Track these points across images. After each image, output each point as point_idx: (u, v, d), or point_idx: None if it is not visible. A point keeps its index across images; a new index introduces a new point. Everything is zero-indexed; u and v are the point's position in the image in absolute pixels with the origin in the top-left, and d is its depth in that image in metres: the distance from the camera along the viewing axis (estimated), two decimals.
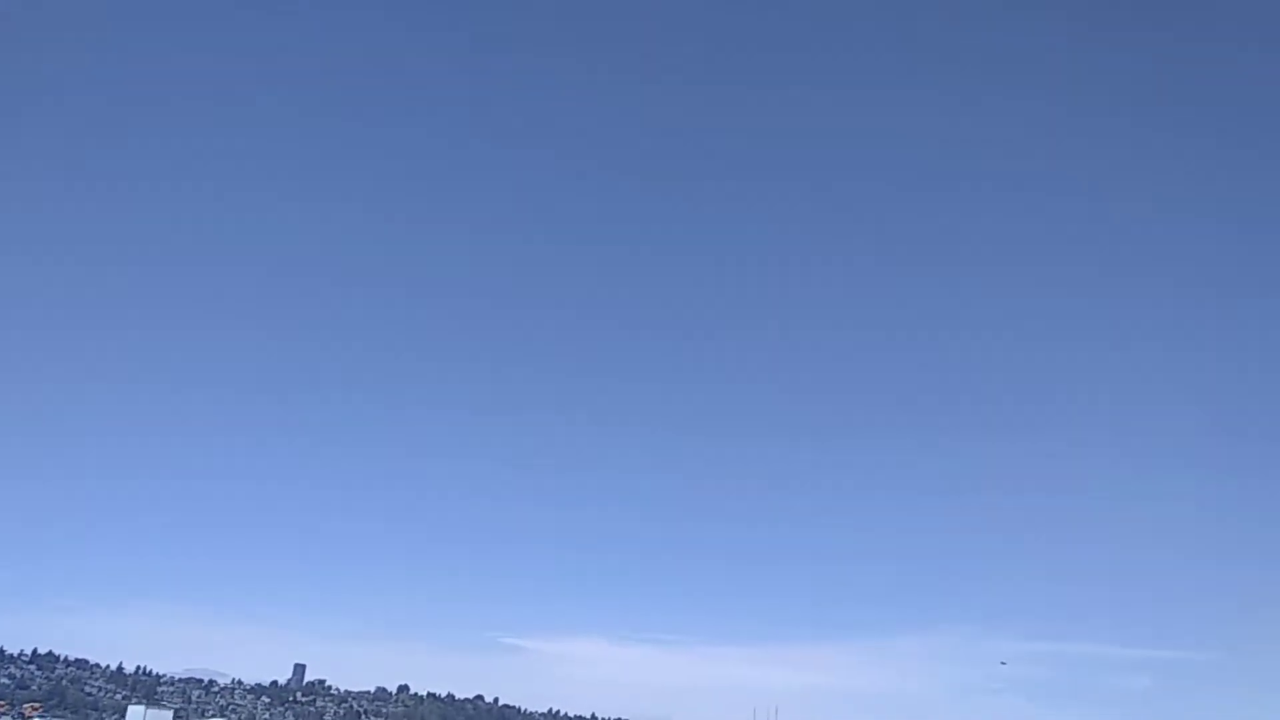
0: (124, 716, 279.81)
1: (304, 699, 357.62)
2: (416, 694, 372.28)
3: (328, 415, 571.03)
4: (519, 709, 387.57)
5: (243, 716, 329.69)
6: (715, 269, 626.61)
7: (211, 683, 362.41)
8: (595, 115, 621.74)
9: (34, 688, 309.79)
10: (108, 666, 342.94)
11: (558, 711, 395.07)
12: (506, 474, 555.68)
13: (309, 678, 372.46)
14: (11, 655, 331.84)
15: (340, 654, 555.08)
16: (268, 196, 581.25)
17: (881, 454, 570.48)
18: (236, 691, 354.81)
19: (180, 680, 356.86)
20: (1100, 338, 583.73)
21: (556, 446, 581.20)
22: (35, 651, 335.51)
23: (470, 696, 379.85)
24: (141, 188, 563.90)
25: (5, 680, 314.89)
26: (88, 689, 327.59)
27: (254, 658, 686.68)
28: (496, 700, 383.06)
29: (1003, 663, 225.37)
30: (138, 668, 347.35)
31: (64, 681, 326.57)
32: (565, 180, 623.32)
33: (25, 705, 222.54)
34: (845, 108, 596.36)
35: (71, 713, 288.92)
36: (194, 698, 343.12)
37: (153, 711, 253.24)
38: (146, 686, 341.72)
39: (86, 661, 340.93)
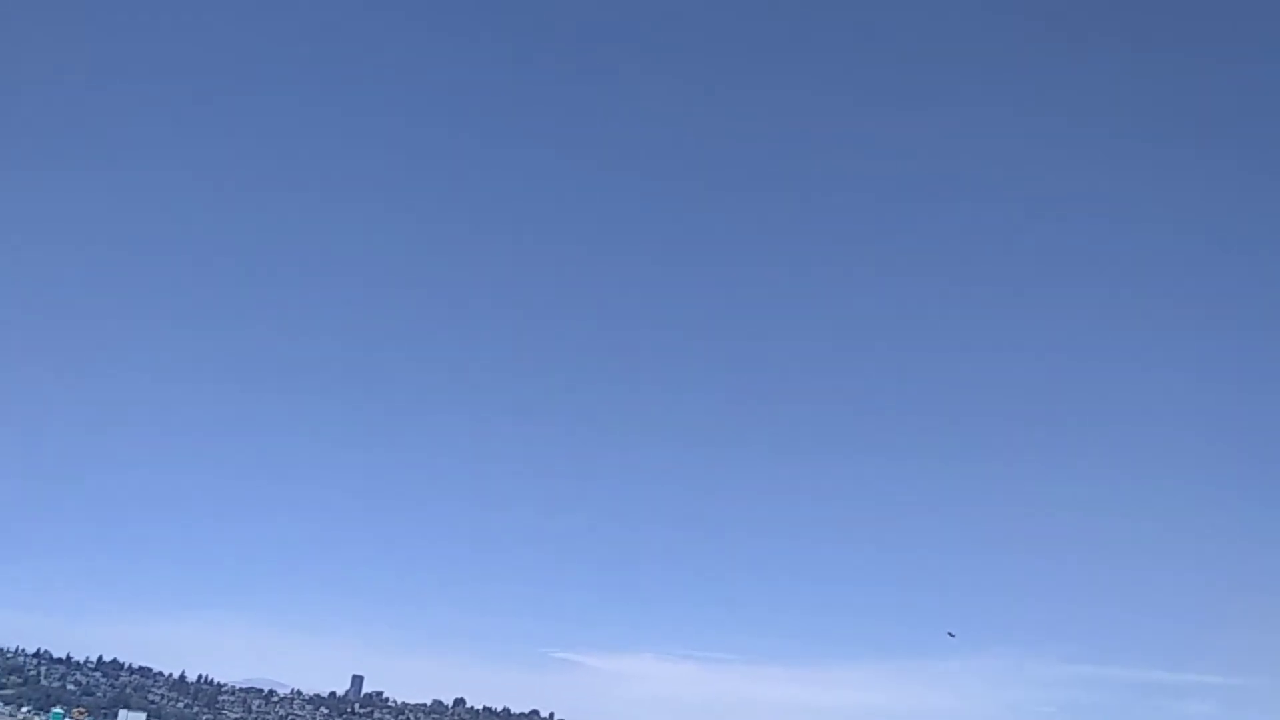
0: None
1: (361, 710, 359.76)
2: (472, 708, 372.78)
3: (388, 428, 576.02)
4: None
5: None
6: (755, 280, 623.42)
7: (271, 692, 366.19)
8: (601, 116, 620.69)
9: (99, 695, 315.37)
10: (170, 675, 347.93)
11: None
12: (563, 490, 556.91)
13: (366, 689, 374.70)
14: (78, 663, 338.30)
15: (397, 666, 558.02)
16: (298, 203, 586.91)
17: (929, 472, 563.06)
18: (295, 701, 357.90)
19: (241, 689, 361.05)
20: (1134, 355, 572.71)
21: (610, 463, 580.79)
22: (100, 659, 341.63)
23: (525, 711, 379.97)
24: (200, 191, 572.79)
25: (72, 687, 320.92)
26: (151, 697, 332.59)
27: (313, 668, 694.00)
28: (552, 715, 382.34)
29: (950, 634, 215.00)
30: (199, 676, 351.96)
31: (128, 689, 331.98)
32: (591, 188, 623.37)
33: (75, 709, 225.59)
34: (861, 116, 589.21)
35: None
36: (254, 707, 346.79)
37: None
38: (207, 695, 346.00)
39: (150, 670, 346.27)
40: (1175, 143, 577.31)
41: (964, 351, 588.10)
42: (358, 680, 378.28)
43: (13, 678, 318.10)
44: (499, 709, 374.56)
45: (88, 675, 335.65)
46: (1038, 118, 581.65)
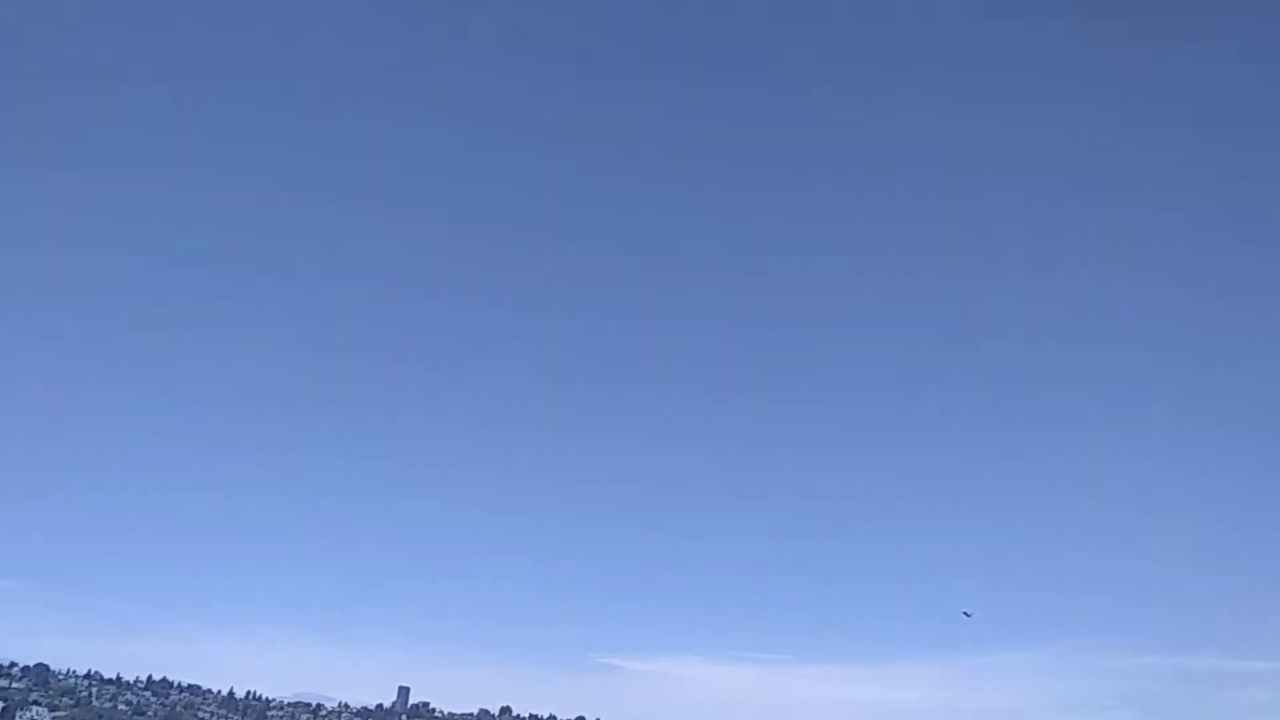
0: None
1: None
2: (518, 715, 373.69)
3: (426, 441, 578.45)
4: None
5: None
6: (773, 279, 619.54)
7: (319, 706, 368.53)
8: (592, 117, 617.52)
9: (150, 714, 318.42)
10: (219, 692, 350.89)
11: None
12: (603, 493, 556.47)
13: (413, 700, 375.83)
14: (128, 682, 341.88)
15: (443, 676, 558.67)
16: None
17: (985, 464, 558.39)
18: (343, 715, 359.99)
19: (289, 704, 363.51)
20: (1189, 347, 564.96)
21: (651, 467, 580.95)
22: (150, 678, 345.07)
23: (571, 717, 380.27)
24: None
25: (123, 707, 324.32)
26: (200, 714, 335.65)
27: (359, 681, 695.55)
28: None
29: (966, 613, 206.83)
30: (248, 693, 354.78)
31: (178, 707, 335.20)
32: (596, 189, 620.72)
33: None
34: (864, 110, 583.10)
35: None
36: None
37: None
38: (256, 711, 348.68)
39: (199, 687, 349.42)
40: (1207, 133, 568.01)
41: (1013, 342, 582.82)
42: (404, 691, 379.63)
43: (65, 699, 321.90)
44: (545, 716, 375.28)
45: (138, 695, 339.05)
46: (1048, 106, 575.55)
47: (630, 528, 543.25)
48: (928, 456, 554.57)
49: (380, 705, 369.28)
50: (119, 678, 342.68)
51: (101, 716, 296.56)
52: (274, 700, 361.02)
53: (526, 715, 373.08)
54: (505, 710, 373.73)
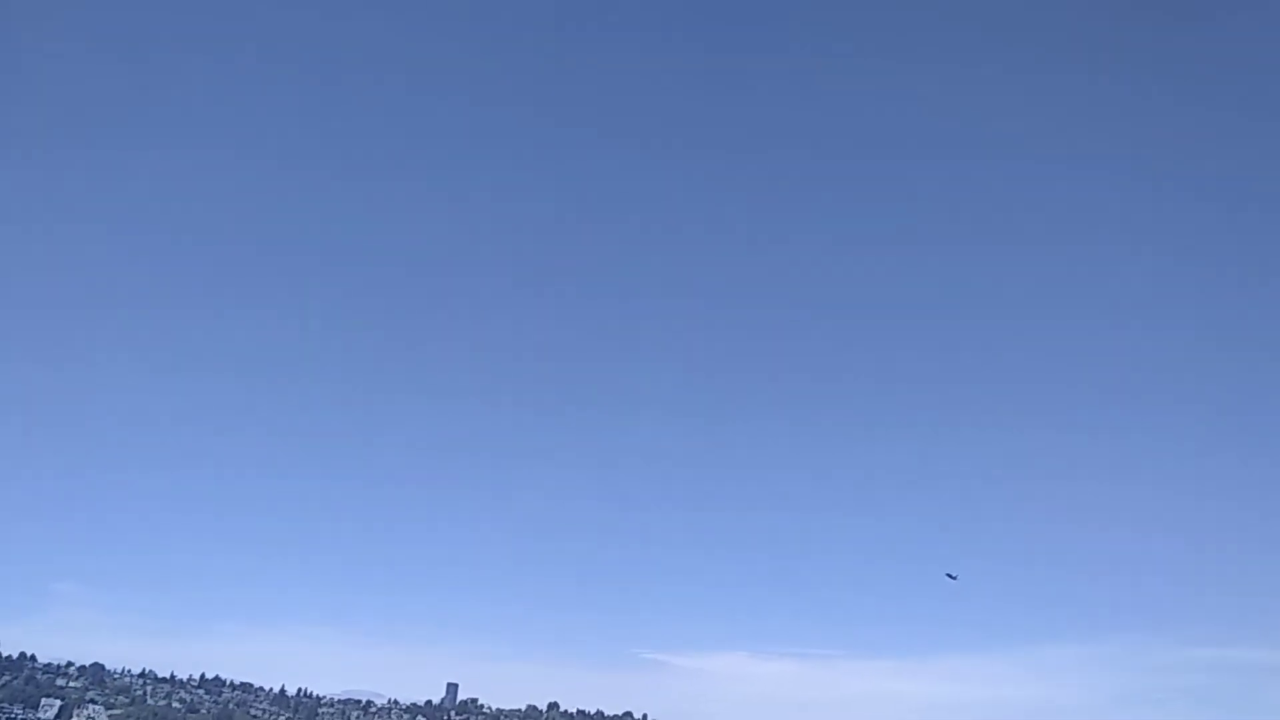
0: None
1: (457, 717, 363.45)
2: (566, 711, 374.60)
3: (476, 441, 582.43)
4: None
5: None
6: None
7: (369, 703, 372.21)
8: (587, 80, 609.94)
9: (203, 711, 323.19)
10: (271, 689, 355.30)
11: None
12: (647, 489, 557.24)
13: (461, 696, 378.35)
14: (181, 680, 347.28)
15: (491, 673, 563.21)
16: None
17: (1041, 453, 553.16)
18: (393, 711, 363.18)
19: (339, 701, 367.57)
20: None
21: (697, 459, 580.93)
22: (203, 676, 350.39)
23: (619, 713, 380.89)
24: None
25: (177, 705, 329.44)
26: (253, 711, 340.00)
27: (408, 678, 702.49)
28: (645, 716, 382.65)
29: (950, 575, 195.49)
30: (299, 690, 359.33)
31: (231, 705, 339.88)
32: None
33: None
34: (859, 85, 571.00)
35: None
36: (353, 718, 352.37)
37: None
38: (308, 708, 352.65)
39: (251, 685, 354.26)
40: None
41: (1065, 321, 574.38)
42: (453, 688, 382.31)
43: (120, 698, 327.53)
44: (592, 712, 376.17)
45: (191, 693, 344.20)
46: (1047, 75, 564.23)
47: (676, 526, 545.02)
48: (978, 449, 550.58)
49: (429, 701, 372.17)
50: (173, 676, 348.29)
51: (156, 714, 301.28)
52: (325, 697, 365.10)
53: (573, 711, 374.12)
54: (552, 706, 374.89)
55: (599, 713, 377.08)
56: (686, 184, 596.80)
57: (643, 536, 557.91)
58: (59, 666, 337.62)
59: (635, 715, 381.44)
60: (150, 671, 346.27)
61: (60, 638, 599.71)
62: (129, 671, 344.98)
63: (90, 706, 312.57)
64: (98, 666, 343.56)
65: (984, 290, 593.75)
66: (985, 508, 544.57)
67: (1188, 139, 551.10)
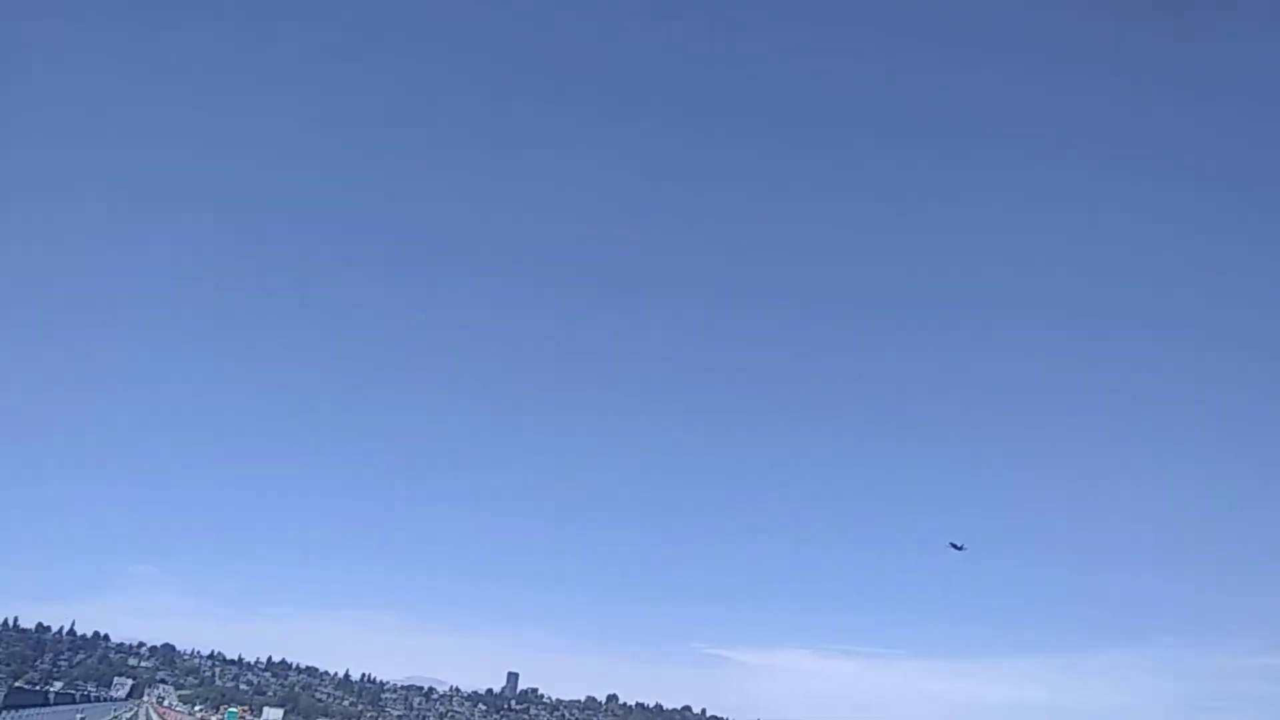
0: None
1: (517, 706, 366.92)
2: (625, 704, 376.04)
3: (539, 435, 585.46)
4: None
5: None
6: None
7: (431, 690, 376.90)
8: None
9: (269, 693, 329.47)
10: (335, 674, 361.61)
11: None
12: (713, 484, 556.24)
13: (522, 686, 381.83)
14: (249, 663, 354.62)
15: (551, 663, 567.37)
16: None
17: (1093, 457, 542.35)
18: (454, 698, 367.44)
19: (402, 687, 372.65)
20: None
21: (760, 455, 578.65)
22: (270, 659, 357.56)
23: (678, 707, 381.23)
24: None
25: (244, 687, 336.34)
26: (318, 695, 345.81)
27: (470, 666, 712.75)
28: (704, 711, 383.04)
29: (957, 546, 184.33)
30: (363, 675, 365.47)
31: (296, 688, 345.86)
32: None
33: (241, 707, 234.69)
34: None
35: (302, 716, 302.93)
36: (415, 704, 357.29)
37: None
38: (371, 693, 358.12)
39: (316, 669, 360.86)
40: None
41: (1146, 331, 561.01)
42: (513, 677, 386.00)
43: (190, 678, 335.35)
44: (651, 704, 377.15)
45: (258, 675, 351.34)
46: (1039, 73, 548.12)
47: (739, 520, 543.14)
48: (1036, 453, 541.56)
49: (490, 690, 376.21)
50: (240, 658, 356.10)
51: (224, 695, 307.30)
52: (388, 683, 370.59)
53: (632, 703, 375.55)
54: (611, 698, 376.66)
55: (658, 706, 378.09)
56: (711, 178, 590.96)
57: (706, 532, 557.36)
58: (131, 646, 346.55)
59: (694, 710, 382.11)
60: (219, 653, 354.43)
61: (134, 618, 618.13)
62: (198, 653, 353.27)
63: (160, 686, 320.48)
64: (168, 647, 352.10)
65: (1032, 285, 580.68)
66: (1045, 511, 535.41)
67: (1195, 136, 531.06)
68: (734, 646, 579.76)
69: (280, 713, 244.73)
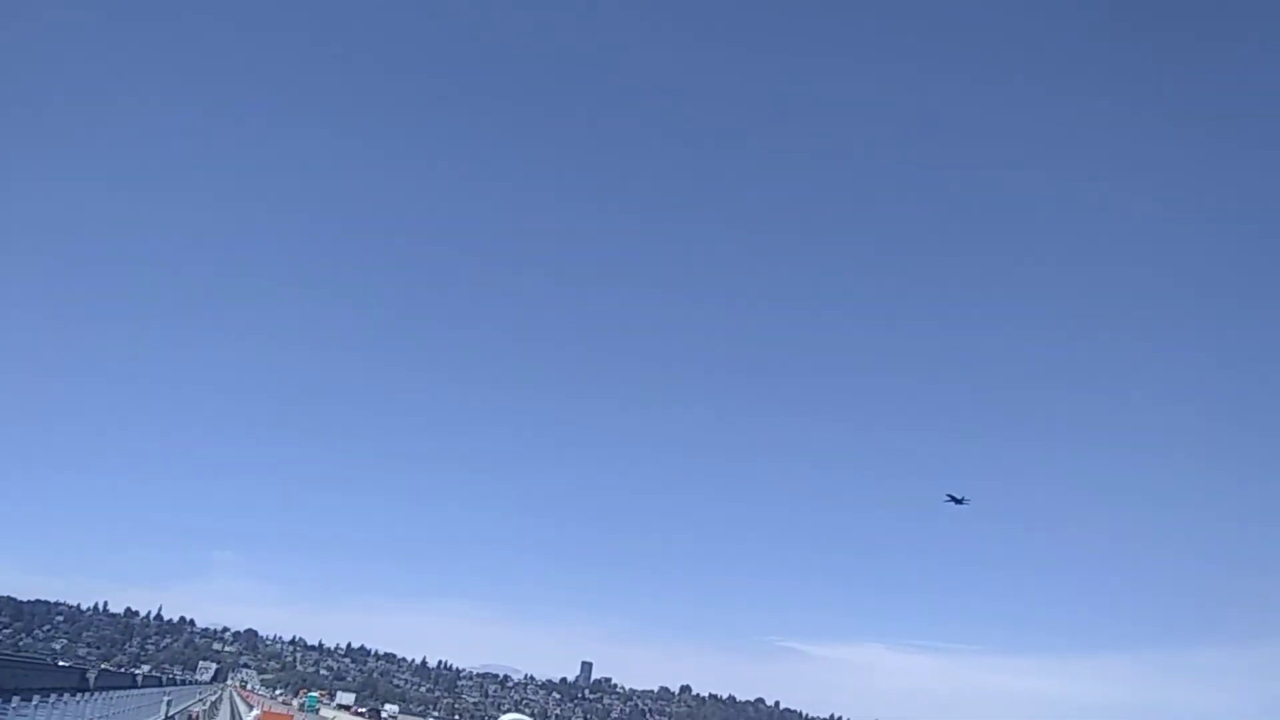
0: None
1: (591, 696, 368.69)
2: (698, 695, 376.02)
3: (615, 426, 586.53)
4: (800, 713, 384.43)
5: (535, 711, 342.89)
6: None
7: (506, 678, 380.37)
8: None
9: (348, 679, 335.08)
10: (413, 660, 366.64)
11: (839, 717, 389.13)
12: (789, 478, 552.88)
13: (595, 675, 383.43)
14: (329, 649, 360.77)
15: (625, 654, 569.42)
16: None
17: (1180, 455, 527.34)
18: (529, 686, 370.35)
19: (478, 675, 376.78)
20: None
21: (837, 449, 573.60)
22: (349, 645, 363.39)
23: (751, 699, 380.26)
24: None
25: (324, 672, 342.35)
26: (396, 681, 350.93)
27: (544, 655, 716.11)
28: (778, 704, 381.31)
29: (958, 499, 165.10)
30: (440, 662, 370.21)
31: (375, 674, 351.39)
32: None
33: (320, 692, 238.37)
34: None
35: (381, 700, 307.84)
36: (490, 691, 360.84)
37: None
38: (447, 680, 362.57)
39: (394, 655, 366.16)
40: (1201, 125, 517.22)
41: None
42: (587, 667, 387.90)
43: (271, 663, 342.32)
44: (724, 696, 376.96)
45: (338, 661, 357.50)
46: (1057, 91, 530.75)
47: (815, 511, 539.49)
48: (1119, 449, 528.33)
49: (564, 679, 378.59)
50: (320, 644, 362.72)
51: (305, 680, 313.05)
52: (464, 670, 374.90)
53: (705, 694, 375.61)
54: (685, 689, 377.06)
55: (731, 698, 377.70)
56: (710, 175, 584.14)
57: (781, 525, 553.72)
58: (216, 631, 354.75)
59: (767, 702, 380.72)
60: (300, 639, 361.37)
61: (219, 604, 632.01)
62: (280, 638, 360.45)
63: (243, 670, 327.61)
64: (251, 632, 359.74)
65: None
66: (1127, 510, 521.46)
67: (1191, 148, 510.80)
68: (808, 639, 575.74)
69: (352, 696, 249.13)
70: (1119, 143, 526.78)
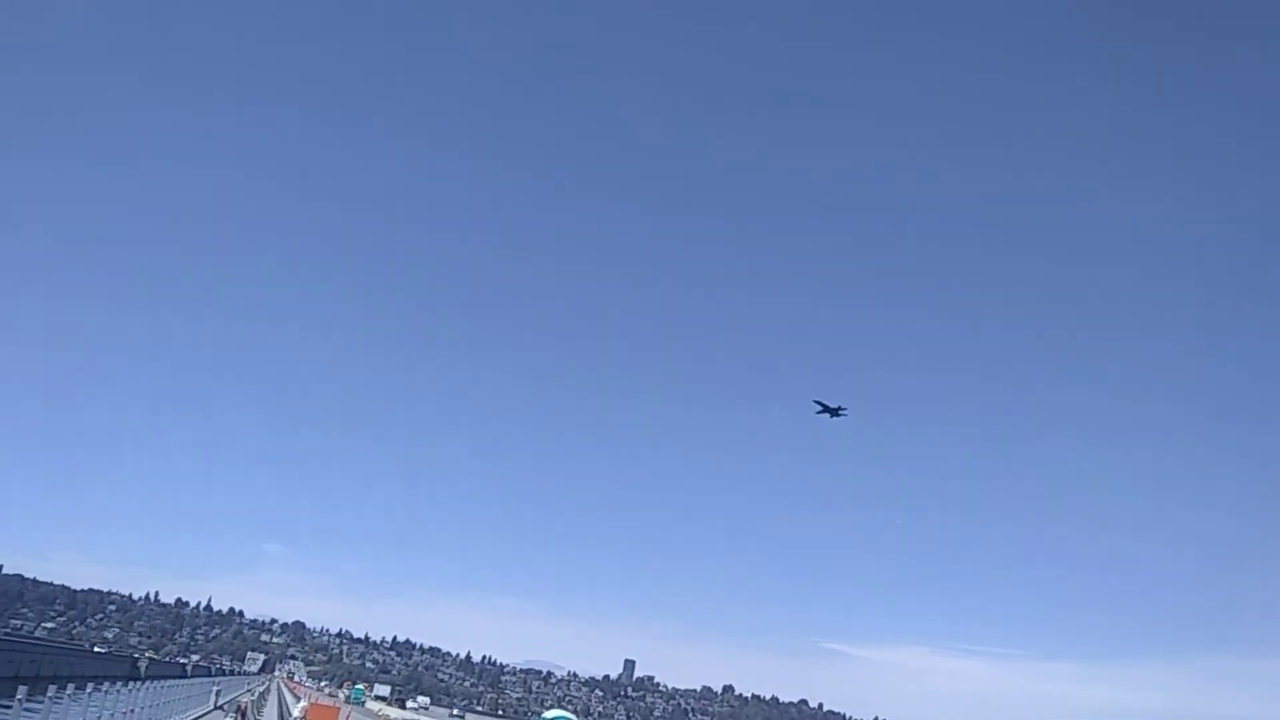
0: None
1: (633, 694, 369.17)
2: (741, 695, 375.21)
3: (662, 421, 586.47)
4: (844, 715, 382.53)
5: (578, 708, 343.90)
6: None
7: (549, 674, 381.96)
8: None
9: (394, 672, 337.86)
10: (457, 655, 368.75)
11: None
12: (833, 479, 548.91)
13: (638, 674, 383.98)
14: (375, 642, 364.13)
15: (668, 652, 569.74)
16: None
17: (1231, 461, 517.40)
18: (571, 683, 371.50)
19: (521, 670, 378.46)
20: None
21: (884, 451, 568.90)
22: (395, 639, 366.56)
23: (794, 700, 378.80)
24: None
25: (370, 665, 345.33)
26: (440, 675, 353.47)
27: (588, 652, 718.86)
28: (821, 706, 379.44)
29: (832, 410, 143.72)
30: (484, 657, 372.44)
31: (420, 668, 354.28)
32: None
33: (366, 685, 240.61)
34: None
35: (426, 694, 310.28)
36: (533, 687, 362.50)
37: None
38: (491, 675, 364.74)
39: (439, 650, 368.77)
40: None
41: None
42: (630, 665, 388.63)
43: (319, 655, 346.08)
44: (767, 697, 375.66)
45: (384, 654, 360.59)
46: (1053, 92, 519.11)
47: (861, 512, 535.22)
48: (1168, 448, 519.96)
49: (607, 676, 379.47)
50: (367, 637, 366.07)
51: (351, 672, 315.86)
52: (507, 665, 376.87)
53: (749, 695, 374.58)
54: (728, 689, 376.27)
55: (774, 698, 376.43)
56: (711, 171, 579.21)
57: (826, 526, 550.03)
58: (264, 623, 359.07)
59: (811, 704, 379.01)
60: (346, 631, 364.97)
61: (267, 595, 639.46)
62: (327, 630, 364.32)
63: (291, 662, 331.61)
64: (299, 624, 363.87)
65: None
66: (1180, 515, 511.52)
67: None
68: (852, 641, 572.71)
69: (388, 688, 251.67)
70: (1116, 141, 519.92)
